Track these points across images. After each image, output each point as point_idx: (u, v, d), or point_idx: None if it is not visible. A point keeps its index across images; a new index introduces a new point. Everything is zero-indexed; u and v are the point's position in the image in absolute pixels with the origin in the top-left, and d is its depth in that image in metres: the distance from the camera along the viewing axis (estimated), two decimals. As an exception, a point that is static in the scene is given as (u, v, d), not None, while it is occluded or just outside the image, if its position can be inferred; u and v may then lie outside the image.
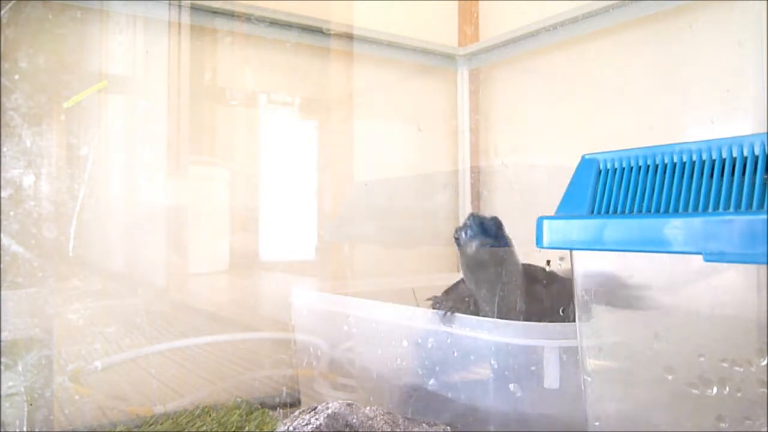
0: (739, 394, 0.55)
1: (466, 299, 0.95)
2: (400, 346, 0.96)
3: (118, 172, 1.18)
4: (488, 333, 0.82)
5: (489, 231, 0.91)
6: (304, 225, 1.42)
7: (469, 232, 0.90)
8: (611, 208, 0.61)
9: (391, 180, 1.40)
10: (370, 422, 0.79)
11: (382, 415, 0.81)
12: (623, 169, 0.62)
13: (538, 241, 0.65)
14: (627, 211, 0.59)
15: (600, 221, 0.59)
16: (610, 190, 0.62)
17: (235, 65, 1.32)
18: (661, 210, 0.56)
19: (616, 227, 0.58)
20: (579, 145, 0.87)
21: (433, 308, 0.94)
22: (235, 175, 1.34)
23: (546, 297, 0.92)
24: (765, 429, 0.53)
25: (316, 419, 0.78)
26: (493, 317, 0.89)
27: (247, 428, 0.99)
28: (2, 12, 0.97)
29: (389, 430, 0.79)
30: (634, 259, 0.61)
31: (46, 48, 1.04)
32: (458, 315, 0.89)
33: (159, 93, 1.23)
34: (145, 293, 1.17)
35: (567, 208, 0.65)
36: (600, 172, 0.64)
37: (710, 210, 0.52)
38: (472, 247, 0.89)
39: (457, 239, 0.91)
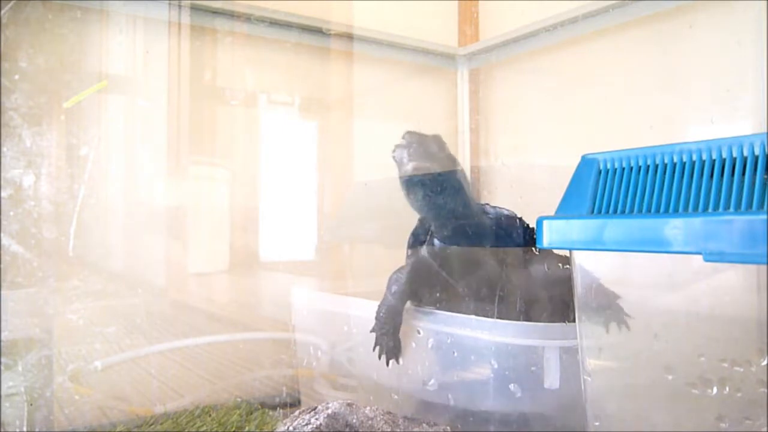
0: (739, 394, 0.55)
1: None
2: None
3: (118, 172, 1.18)
4: (488, 333, 0.82)
5: (430, 150, 0.83)
6: (304, 225, 1.42)
7: (408, 151, 0.82)
8: (611, 208, 0.61)
9: (391, 180, 1.40)
10: (370, 422, 0.79)
11: (382, 415, 0.81)
12: (623, 169, 0.62)
13: (538, 241, 0.65)
14: (627, 211, 0.59)
15: (600, 221, 0.59)
16: (610, 190, 0.62)
17: (235, 65, 1.32)
18: (661, 210, 0.56)
19: (616, 227, 0.58)
20: (579, 145, 0.87)
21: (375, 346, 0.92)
22: (235, 175, 1.34)
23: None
24: (765, 429, 0.53)
25: (316, 419, 0.78)
26: (443, 241, 0.84)
27: (247, 428, 0.99)
28: (2, 12, 0.96)
29: (389, 430, 0.79)
30: (634, 259, 0.61)
31: (46, 48, 1.04)
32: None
33: (159, 93, 1.23)
34: (145, 293, 1.17)
35: (567, 208, 0.65)
36: (600, 172, 0.64)
37: (710, 210, 0.52)
38: (411, 168, 0.81)
39: (394, 158, 0.83)
